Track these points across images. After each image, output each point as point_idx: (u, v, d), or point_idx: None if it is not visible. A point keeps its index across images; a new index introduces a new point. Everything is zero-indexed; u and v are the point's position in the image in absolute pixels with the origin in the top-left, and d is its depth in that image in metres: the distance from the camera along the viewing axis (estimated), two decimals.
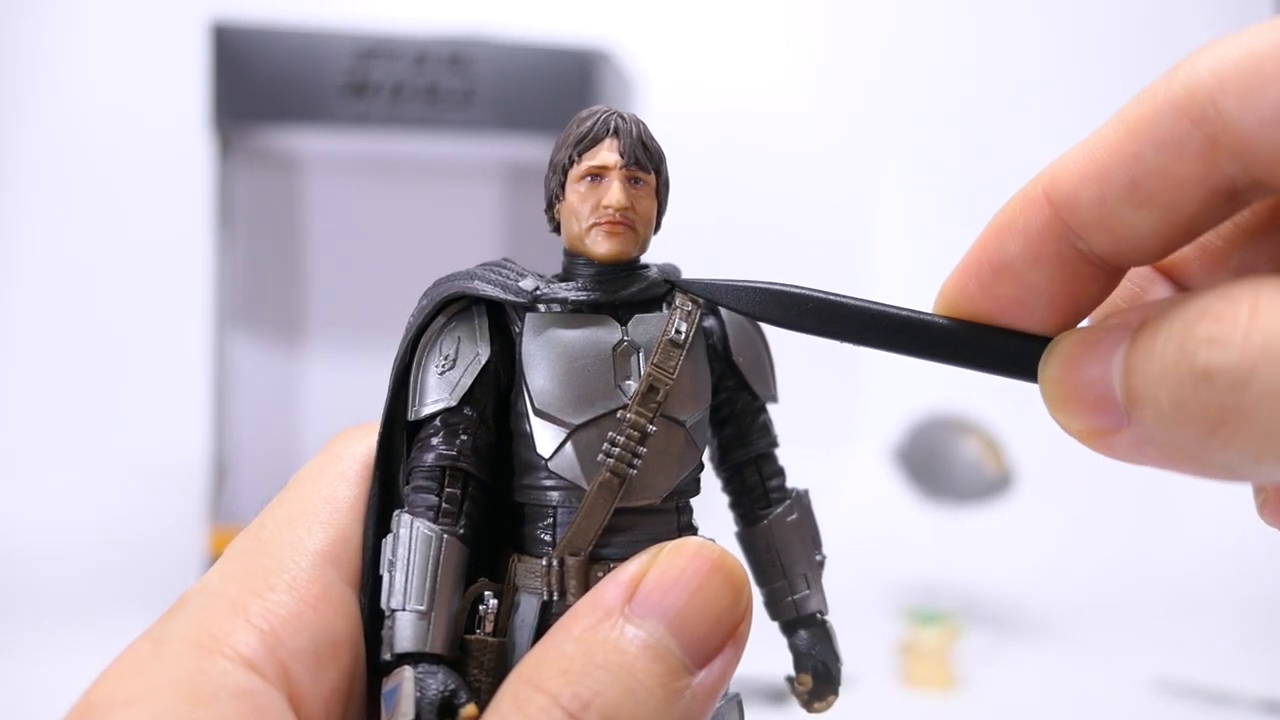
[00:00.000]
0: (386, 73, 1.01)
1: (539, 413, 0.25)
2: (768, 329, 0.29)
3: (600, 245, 0.26)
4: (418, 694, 0.23)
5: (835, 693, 0.29)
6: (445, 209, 1.20)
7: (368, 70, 1.01)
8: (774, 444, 0.30)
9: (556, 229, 0.28)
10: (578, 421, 0.25)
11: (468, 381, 0.26)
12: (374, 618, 0.25)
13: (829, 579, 0.31)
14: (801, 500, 0.29)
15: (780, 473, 0.30)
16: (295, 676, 0.23)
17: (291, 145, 1.12)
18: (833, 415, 1.48)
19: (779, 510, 0.29)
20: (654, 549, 0.24)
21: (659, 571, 0.24)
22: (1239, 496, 1.43)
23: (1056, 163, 0.25)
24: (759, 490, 0.29)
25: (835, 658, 0.29)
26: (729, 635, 0.24)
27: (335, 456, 0.27)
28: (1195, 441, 0.22)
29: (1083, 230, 0.24)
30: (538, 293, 0.26)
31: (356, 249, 1.20)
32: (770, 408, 0.30)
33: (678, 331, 0.26)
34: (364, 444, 0.27)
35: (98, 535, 1.25)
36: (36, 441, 1.32)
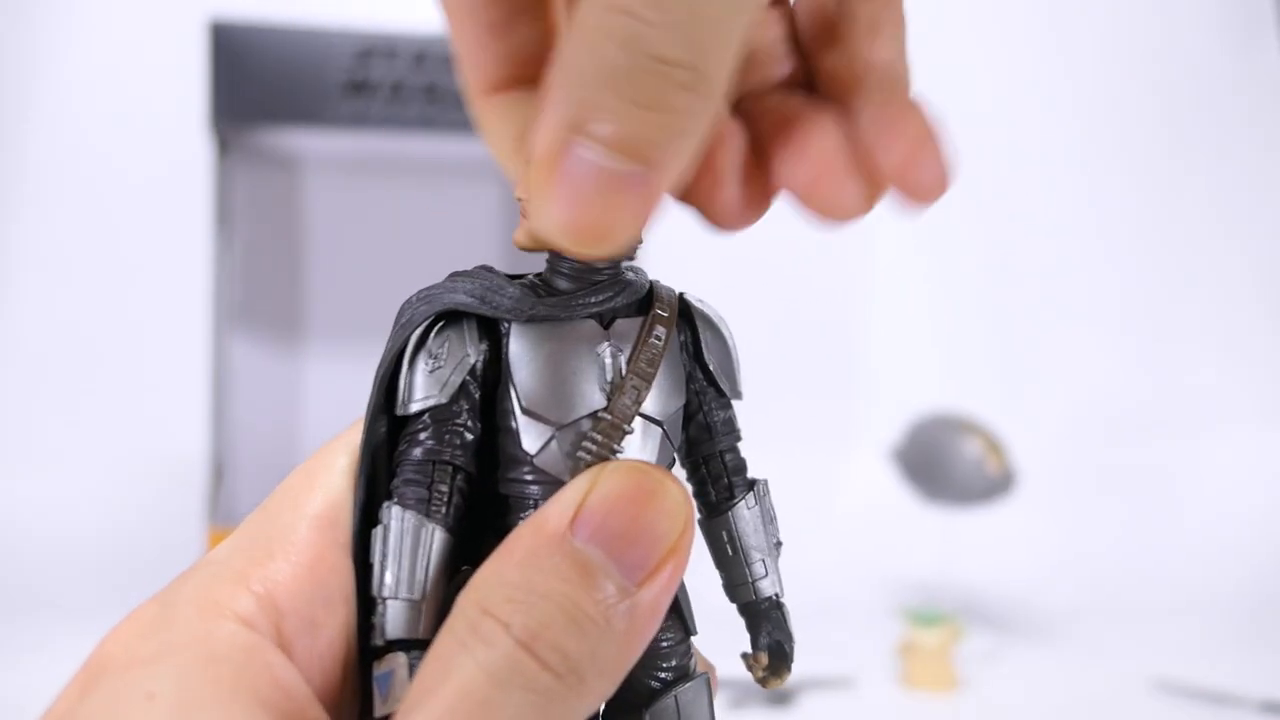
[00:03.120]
0: (386, 72, 1.01)
1: (526, 411, 0.27)
2: (737, 328, 0.31)
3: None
4: (411, 676, 0.24)
5: (789, 669, 0.30)
6: (445, 209, 1.20)
7: (367, 69, 1.01)
8: (738, 438, 0.31)
9: None
10: (563, 421, 0.26)
11: (457, 380, 0.27)
12: (364, 605, 0.26)
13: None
14: (761, 490, 0.30)
15: (743, 466, 0.31)
16: (288, 636, 0.24)
17: (291, 145, 1.11)
18: (833, 415, 1.48)
19: (740, 500, 0.30)
20: (595, 470, 0.25)
21: (600, 495, 0.24)
22: (1240, 498, 1.43)
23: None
24: (723, 481, 0.30)
25: (789, 637, 0.30)
26: (670, 555, 0.24)
27: (344, 432, 0.28)
28: (697, 102, 0.22)
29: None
30: (527, 311, 0.27)
31: (356, 249, 1.20)
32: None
33: (656, 338, 0.28)
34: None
35: (95, 535, 1.24)
36: (33, 441, 1.32)
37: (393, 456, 0.27)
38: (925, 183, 0.28)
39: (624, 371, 0.27)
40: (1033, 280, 1.55)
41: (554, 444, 0.26)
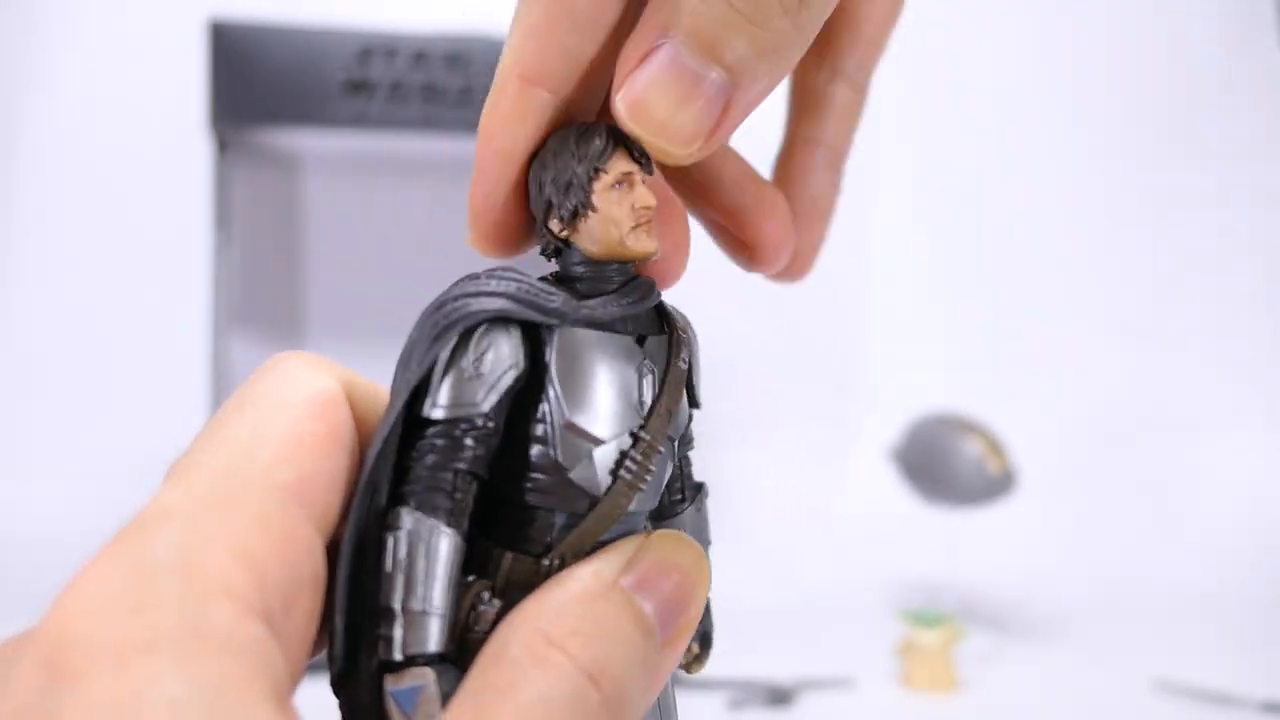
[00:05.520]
0: (386, 72, 1.01)
1: (569, 426, 0.27)
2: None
3: (642, 243, 0.28)
4: (444, 693, 0.24)
5: (709, 655, 0.32)
6: (445, 209, 1.20)
7: (367, 69, 1.00)
8: (693, 446, 0.32)
9: (554, 252, 0.29)
10: (603, 438, 0.27)
11: (500, 389, 0.26)
12: (353, 611, 0.25)
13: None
14: (705, 493, 0.32)
15: (692, 472, 0.33)
16: (274, 619, 0.22)
17: (291, 145, 1.11)
18: (833, 415, 1.48)
19: (690, 505, 0.32)
20: (643, 535, 0.27)
21: (653, 556, 0.26)
22: (1240, 498, 1.43)
23: (512, 51, 0.28)
24: (676, 485, 0.32)
25: (712, 627, 0.32)
26: (690, 623, 0.26)
27: (297, 384, 0.26)
28: (793, 30, 0.24)
29: (558, 87, 0.27)
30: (578, 315, 0.27)
31: (356, 249, 1.20)
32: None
33: (683, 361, 0.29)
34: (319, 378, 0.26)
35: (94, 535, 1.24)
36: (33, 441, 1.32)
37: (400, 458, 0.26)
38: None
39: (658, 393, 0.28)
40: (1033, 280, 1.55)
41: (590, 459, 0.27)
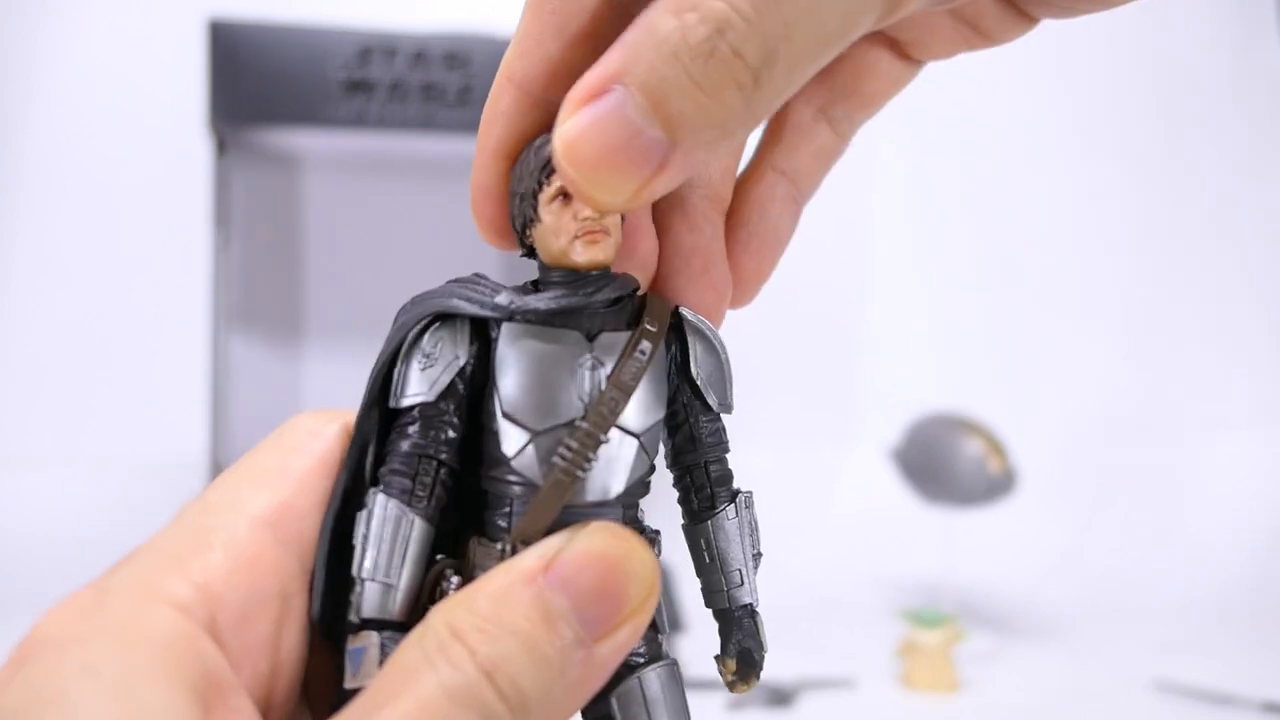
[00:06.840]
0: (385, 71, 1.01)
1: (507, 416, 0.28)
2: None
3: (583, 254, 0.28)
4: (381, 656, 0.26)
5: (757, 676, 0.31)
6: (444, 208, 1.20)
7: (367, 69, 1.00)
8: (725, 450, 0.32)
9: (529, 253, 0.30)
10: (540, 427, 0.28)
11: (446, 379, 0.28)
12: (337, 583, 0.28)
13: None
14: (744, 502, 0.32)
15: (728, 477, 0.32)
16: (221, 628, 0.25)
17: (290, 145, 1.11)
18: (833, 415, 1.48)
19: (720, 511, 0.31)
20: (576, 526, 0.27)
21: (576, 550, 0.26)
22: (1240, 498, 1.43)
23: (507, 55, 0.28)
24: (705, 491, 0.31)
25: (760, 645, 0.31)
26: (630, 617, 0.26)
27: (289, 429, 0.29)
28: (742, 108, 0.24)
29: (543, 92, 0.28)
30: (513, 307, 0.28)
31: (355, 249, 1.20)
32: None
33: (641, 352, 0.29)
34: (315, 420, 0.29)
35: (94, 535, 1.24)
36: (33, 442, 1.32)
37: (382, 445, 0.28)
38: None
39: (603, 384, 0.28)
40: (1033, 281, 1.55)
41: (531, 448, 0.28)
